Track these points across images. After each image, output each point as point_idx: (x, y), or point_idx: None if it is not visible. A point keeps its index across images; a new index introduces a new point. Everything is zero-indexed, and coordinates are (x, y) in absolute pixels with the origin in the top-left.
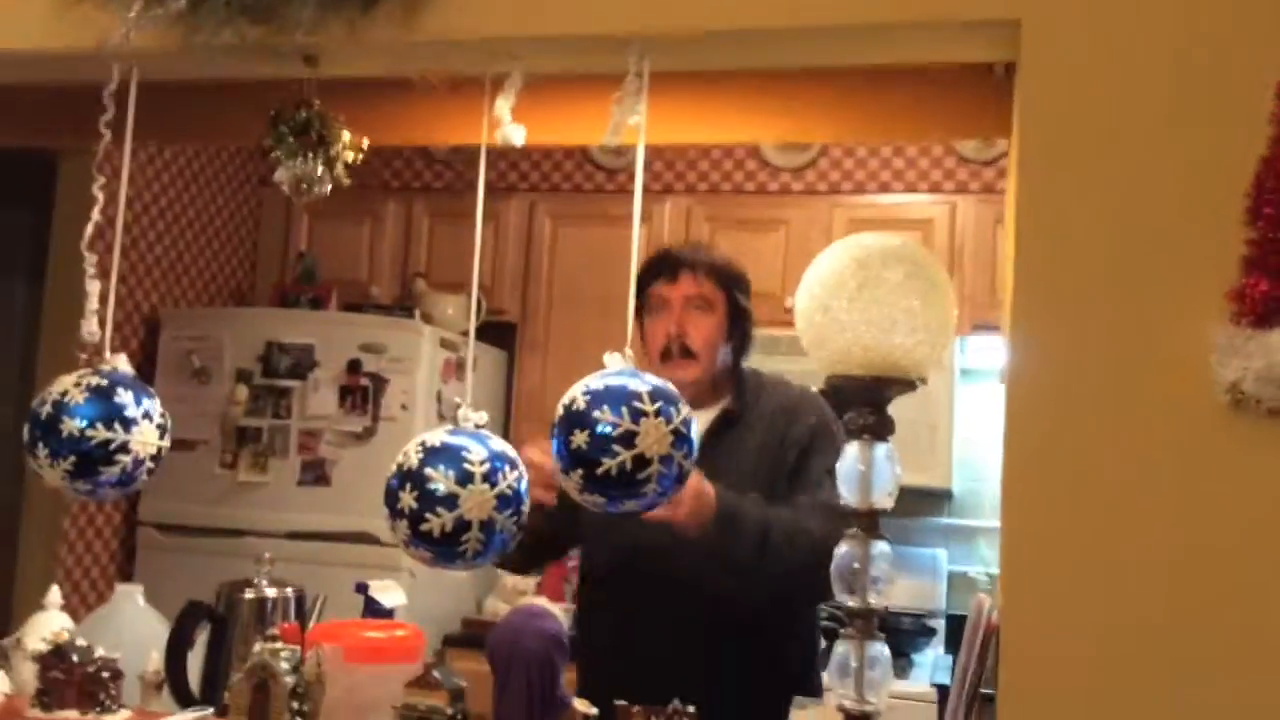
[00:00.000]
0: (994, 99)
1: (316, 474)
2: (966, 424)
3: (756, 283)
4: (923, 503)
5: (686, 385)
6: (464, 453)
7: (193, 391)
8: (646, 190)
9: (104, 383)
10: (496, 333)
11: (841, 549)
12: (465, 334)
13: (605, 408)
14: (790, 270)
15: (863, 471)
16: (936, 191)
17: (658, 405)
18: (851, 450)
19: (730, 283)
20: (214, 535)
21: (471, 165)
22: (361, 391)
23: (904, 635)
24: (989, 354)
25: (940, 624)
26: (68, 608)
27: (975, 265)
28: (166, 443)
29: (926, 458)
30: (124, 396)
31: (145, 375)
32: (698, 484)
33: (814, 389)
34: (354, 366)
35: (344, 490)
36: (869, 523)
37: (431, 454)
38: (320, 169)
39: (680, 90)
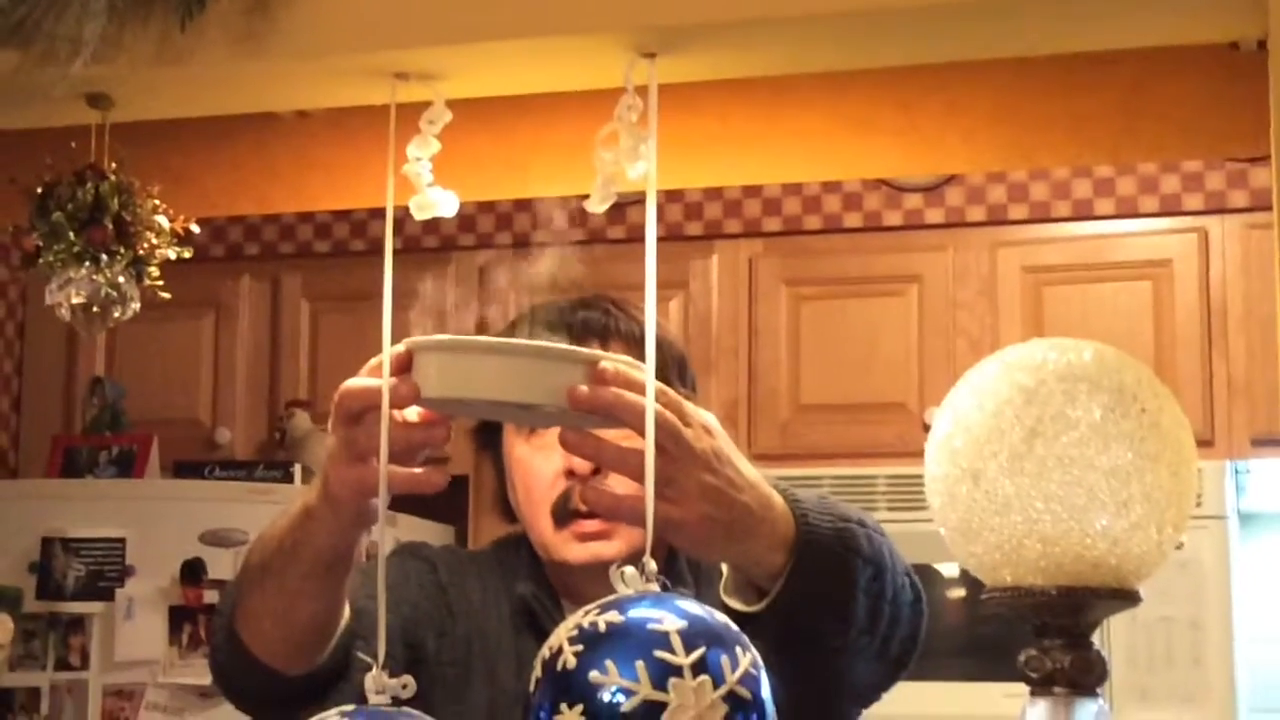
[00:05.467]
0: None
1: None
2: (1254, 608)
3: (874, 383)
4: None
5: (603, 567)
6: None
7: None
8: (680, 238)
9: None
10: (439, 495)
11: None
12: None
13: (610, 664)
14: (929, 362)
15: None
16: (1174, 212)
17: (699, 653)
18: (1034, 716)
19: (667, 364)
20: None
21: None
22: (208, 614)
23: None
24: None
25: None
26: None
27: (1249, 335)
28: None
29: (1188, 681)
30: None
31: None
32: (719, 450)
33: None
34: (192, 572)
35: None
36: None
37: None
38: (122, 279)
39: (735, 96)
